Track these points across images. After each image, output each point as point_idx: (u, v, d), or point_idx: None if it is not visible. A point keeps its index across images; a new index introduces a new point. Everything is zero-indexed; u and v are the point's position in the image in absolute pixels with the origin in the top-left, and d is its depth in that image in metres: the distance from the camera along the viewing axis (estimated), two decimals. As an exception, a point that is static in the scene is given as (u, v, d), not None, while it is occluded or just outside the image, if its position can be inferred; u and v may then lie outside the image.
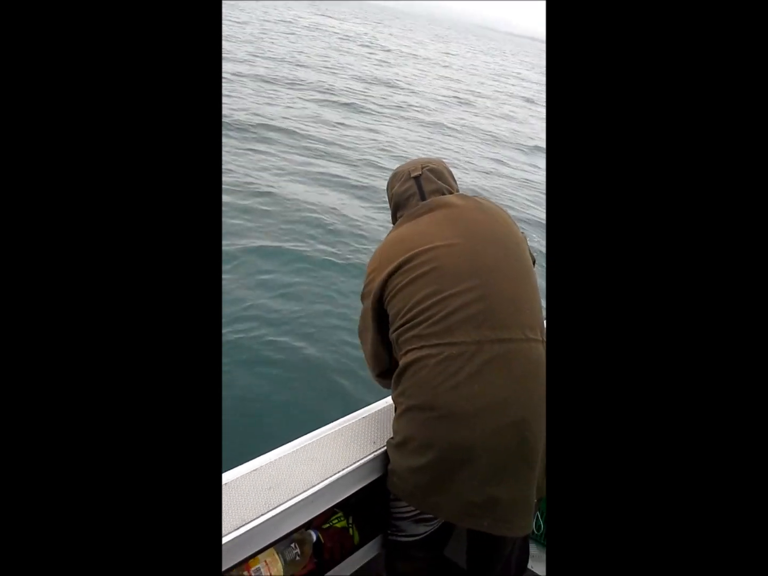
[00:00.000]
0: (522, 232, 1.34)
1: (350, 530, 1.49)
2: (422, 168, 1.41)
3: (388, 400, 1.51)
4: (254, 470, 1.23)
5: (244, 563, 1.19)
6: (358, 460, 1.31)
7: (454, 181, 1.45)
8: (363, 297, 1.35)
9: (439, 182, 1.39)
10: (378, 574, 1.53)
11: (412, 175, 1.40)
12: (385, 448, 1.31)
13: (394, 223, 1.45)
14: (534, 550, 1.67)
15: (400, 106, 13.55)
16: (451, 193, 1.39)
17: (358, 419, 1.44)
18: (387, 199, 1.50)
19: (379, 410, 1.49)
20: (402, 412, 1.21)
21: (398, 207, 1.42)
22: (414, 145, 10.02)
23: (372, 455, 1.33)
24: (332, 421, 1.41)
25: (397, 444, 1.23)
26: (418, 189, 1.38)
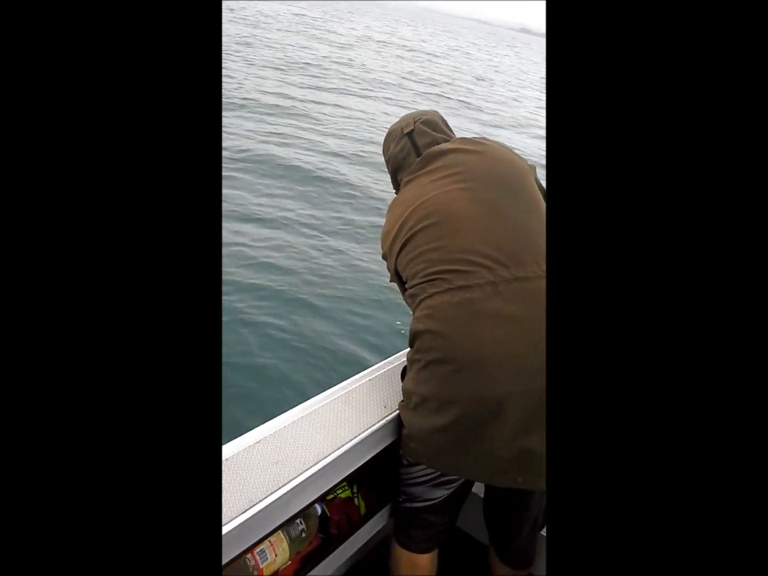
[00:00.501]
0: (530, 165, 1.28)
1: (356, 500, 1.40)
2: (415, 122, 1.34)
3: (396, 360, 1.42)
4: (257, 442, 1.11)
5: (250, 549, 1.08)
6: (371, 426, 1.20)
7: (450, 129, 1.38)
8: (384, 258, 1.30)
9: (434, 133, 1.33)
10: (387, 537, 1.42)
11: (405, 132, 1.33)
12: (398, 411, 1.22)
13: (395, 187, 1.39)
14: None
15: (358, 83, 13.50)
16: (446, 142, 1.31)
17: (366, 381, 1.34)
18: (384, 163, 1.42)
19: (387, 370, 1.39)
20: (419, 369, 1.12)
21: (397, 170, 1.36)
22: (370, 122, 9.99)
23: (384, 420, 1.23)
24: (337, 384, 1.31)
25: (414, 405, 1.13)
26: (412, 146, 1.31)
